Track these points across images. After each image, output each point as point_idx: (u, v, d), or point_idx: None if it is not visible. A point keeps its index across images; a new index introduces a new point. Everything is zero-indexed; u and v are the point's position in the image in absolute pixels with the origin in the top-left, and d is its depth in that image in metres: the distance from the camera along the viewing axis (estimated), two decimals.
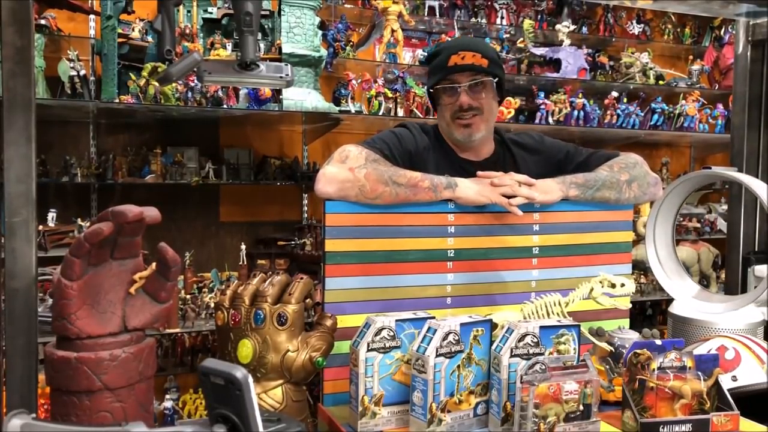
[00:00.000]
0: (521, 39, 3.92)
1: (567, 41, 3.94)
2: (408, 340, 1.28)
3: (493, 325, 1.28)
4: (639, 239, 3.81)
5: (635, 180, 1.67)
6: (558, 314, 1.40)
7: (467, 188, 1.53)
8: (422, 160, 1.69)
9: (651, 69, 4.16)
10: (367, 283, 1.47)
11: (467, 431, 1.25)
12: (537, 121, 3.78)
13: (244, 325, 1.34)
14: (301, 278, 1.39)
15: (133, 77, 2.93)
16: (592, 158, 1.75)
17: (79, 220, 2.97)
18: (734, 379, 1.36)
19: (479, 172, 1.59)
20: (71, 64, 2.90)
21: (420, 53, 3.77)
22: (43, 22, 2.93)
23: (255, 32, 1.25)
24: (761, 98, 2.24)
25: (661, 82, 4.20)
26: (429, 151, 1.74)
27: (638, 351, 1.22)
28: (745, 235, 2.27)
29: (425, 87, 1.87)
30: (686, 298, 1.83)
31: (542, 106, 3.78)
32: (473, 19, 3.90)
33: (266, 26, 3.28)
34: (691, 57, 4.49)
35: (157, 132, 3.39)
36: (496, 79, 1.73)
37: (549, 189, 1.58)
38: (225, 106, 3.14)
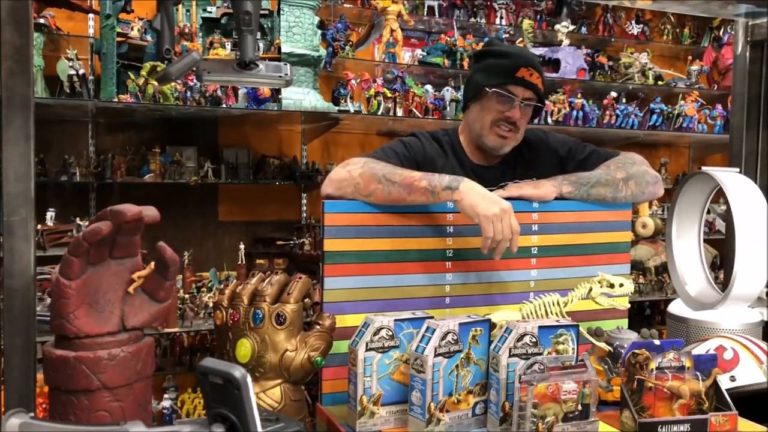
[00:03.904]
0: (520, 39, 3.92)
1: (566, 41, 3.94)
2: (407, 339, 1.28)
3: (491, 325, 1.28)
4: (637, 239, 3.82)
5: (632, 178, 1.66)
6: (557, 314, 1.40)
7: (470, 198, 1.44)
8: (432, 168, 1.67)
9: (650, 69, 4.16)
10: (366, 282, 1.47)
11: (466, 431, 1.25)
12: (536, 121, 3.78)
13: (242, 324, 1.34)
14: (300, 278, 1.39)
15: (132, 76, 2.93)
16: (592, 156, 1.75)
17: (77, 219, 2.96)
18: (732, 379, 1.36)
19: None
20: (70, 63, 2.90)
21: (419, 53, 3.77)
22: (42, 21, 2.92)
23: (254, 31, 1.25)
24: (760, 99, 2.24)
25: (660, 83, 4.20)
26: (439, 158, 1.74)
27: (637, 351, 1.22)
28: None
29: (473, 80, 1.76)
30: (686, 297, 1.83)
31: None
32: (472, 19, 3.90)
33: (265, 25, 3.27)
34: (690, 57, 4.50)
35: (156, 131, 3.39)
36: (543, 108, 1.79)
37: (541, 185, 1.60)
38: (224, 106, 3.14)
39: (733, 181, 1.70)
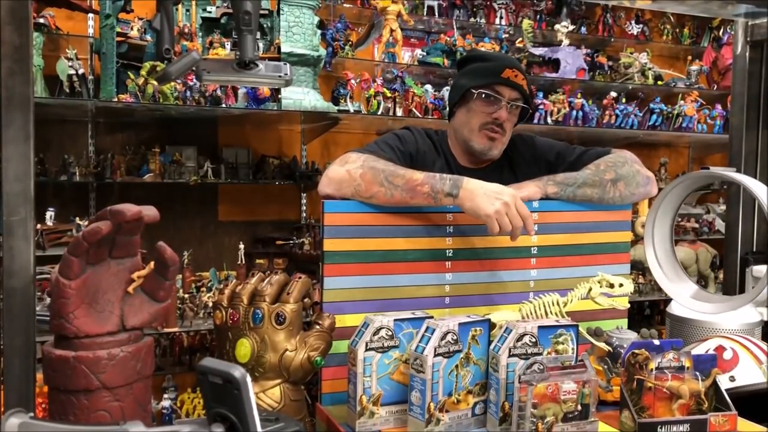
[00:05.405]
0: (520, 39, 3.93)
1: (566, 41, 3.94)
2: (406, 339, 1.28)
3: (491, 325, 1.28)
4: (637, 239, 3.82)
5: (622, 179, 1.62)
6: (556, 314, 1.40)
7: (471, 200, 1.43)
8: (423, 163, 1.68)
9: (650, 69, 4.16)
10: (366, 282, 1.47)
11: (465, 431, 1.25)
12: (536, 121, 3.78)
13: (242, 324, 1.34)
14: (300, 278, 1.39)
15: (131, 76, 2.93)
16: (583, 157, 1.71)
17: (77, 219, 2.96)
18: (732, 379, 1.36)
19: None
20: (70, 63, 2.89)
21: (419, 53, 3.78)
22: (41, 20, 2.92)
23: (254, 31, 1.25)
24: (759, 99, 2.25)
25: (659, 83, 4.20)
26: (431, 153, 1.74)
27: (636, 351, 1.22)
28: (743, 236, 2.28)
29: (456, 85, 1.77)
30: (684, 298, 1.83)
31: (541, 107, 3.78)
32: (472, 19, 3.91)
33: (265, 25, 3.27)
34: (689, 57, 4.50)
35: (156, 131, 3.39)
36: (530, 111, 1.77)
37: (524, 186, 1.58)
38: (224, 106, 3.14)
39: (756, 183, 1.70)
